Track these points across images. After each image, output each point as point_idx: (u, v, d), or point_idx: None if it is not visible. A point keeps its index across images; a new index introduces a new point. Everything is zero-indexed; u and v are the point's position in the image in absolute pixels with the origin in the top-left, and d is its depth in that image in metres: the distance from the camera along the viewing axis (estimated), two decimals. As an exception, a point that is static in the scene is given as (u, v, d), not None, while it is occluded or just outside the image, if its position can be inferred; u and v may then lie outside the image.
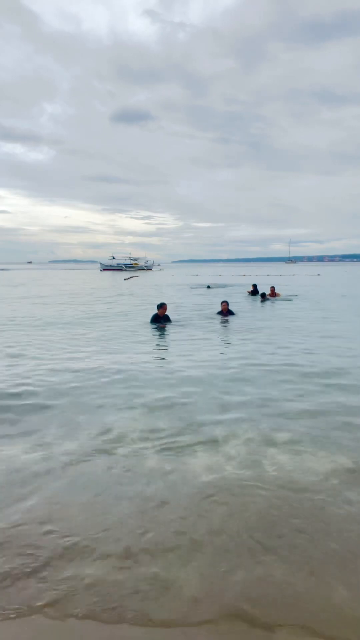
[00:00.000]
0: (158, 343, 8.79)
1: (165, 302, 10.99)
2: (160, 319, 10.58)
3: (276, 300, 17.51)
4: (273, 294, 18.09)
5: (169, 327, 10.23)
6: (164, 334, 9.54)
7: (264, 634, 1.93)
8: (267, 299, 17.35)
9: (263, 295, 17.52)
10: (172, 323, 10.59)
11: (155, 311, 10.81)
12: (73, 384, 5.66)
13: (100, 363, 6.81)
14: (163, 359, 7.28)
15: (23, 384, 5.67)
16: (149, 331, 9.86)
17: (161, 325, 10.38)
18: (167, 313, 10.74)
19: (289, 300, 17.48)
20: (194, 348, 7.96)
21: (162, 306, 10.67)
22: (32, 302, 17.45)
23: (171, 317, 10.91)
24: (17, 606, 2.09)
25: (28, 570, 2.31)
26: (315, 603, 2.09)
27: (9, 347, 8.10)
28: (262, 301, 17.01)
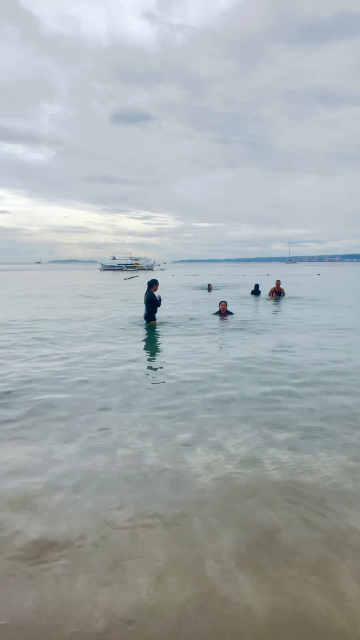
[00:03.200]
0: (156, 342, 8.79)
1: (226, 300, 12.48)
2: (220, 313, 11.94)
3: (283, 299, 17.11)
4: (278, 288, 17.39)
5: (167, 327, 10.23)
6: (162, 334, 9.54)
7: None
8: (280, 297, 17.08)
9: (279, 294, 17.23)
10: (185, 322, 10.87)
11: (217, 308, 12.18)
12: (70, 382, 5.68)
13: (96, 362, 6.83)
14: (160, 358, 7.28)
15: (20, 382, 5.68)
16: (147, 331, 9.86)
17: (223, 319, 11.55)
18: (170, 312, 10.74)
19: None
20: (191, 348, 7.96)
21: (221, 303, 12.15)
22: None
23: (170, 317, 10.93)
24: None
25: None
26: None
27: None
28: (275, 299, 16.89)
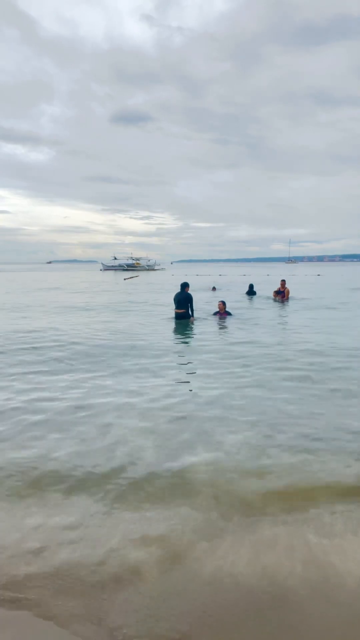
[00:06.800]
0: (190, 334, 8.89)
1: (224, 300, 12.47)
2: (219, 313, 12.08)
3: (286, 302, 16.02)
4: (283, 288, 16.19)
5: (166, 327, 10.29)
6: (195, 328, 9.70)
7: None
8: (285, 301, 15.89)
9: (283, 295, 16.07)
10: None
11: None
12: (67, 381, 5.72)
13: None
14: (159, 359, 7.32)
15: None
16: (177, 326, 10.05)
17: (222, 318, 11.71)
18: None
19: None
20: (190, 347, 7.99)
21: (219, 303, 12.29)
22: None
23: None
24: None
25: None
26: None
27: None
28: (280, 300, 15.89)
